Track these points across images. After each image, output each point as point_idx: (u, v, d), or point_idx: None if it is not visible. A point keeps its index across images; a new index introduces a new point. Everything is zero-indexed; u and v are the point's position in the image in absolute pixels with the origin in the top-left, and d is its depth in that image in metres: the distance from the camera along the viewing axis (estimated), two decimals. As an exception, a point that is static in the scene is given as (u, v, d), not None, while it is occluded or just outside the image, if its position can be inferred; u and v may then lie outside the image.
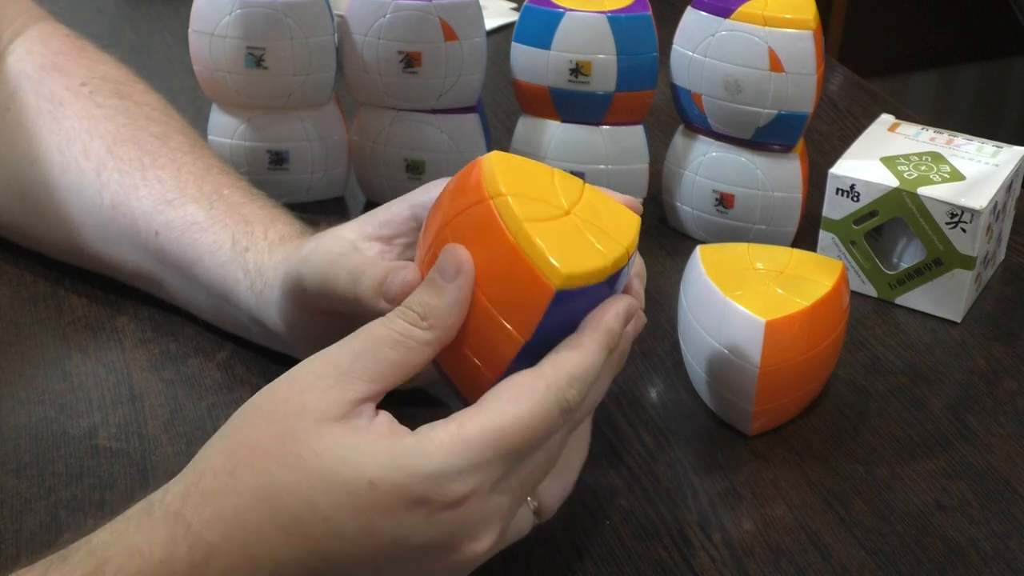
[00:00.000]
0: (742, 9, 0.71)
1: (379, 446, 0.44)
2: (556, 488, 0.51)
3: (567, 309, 0.48)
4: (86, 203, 0.68)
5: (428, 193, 0.57)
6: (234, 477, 0.44)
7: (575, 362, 0.47)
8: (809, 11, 0.70)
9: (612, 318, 0.48)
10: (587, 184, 0.53)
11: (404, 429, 0.46)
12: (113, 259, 0.69)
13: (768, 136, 0.73)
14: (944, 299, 0.72)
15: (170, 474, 0.46)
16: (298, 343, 0.61)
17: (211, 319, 0.67)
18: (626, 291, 0.51)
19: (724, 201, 0.77)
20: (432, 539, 0.45)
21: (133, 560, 0.43)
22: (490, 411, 0.45)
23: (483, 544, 0.46)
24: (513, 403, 0.45)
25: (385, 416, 0.46)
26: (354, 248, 0.57)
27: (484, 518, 0.46)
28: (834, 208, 0.73)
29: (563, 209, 0.50)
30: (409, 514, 0.44)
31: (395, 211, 0.58)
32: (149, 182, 0.67)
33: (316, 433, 0.44)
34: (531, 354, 0.48)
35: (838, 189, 0.72)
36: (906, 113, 0.86)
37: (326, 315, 0.57)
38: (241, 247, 0.63)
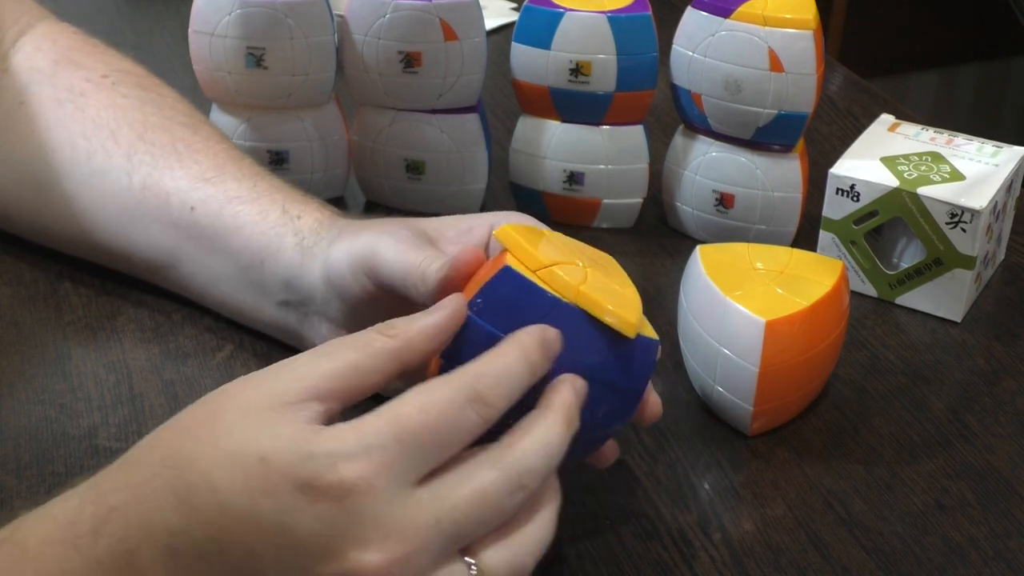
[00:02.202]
0: (742, 9, 0.71)
1: (286, 429, 0.43)
2: (503, 555, 0.45)
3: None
4: (111, 187, 0.68)
5: (510, 218, 0.58)
6: (150, 449, 0.45)
7: (482, 359, 0.46)
8: (809, 11, 0.70)
9: (525, 334, 0.47)
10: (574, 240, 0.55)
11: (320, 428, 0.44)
12: (129, 243, 0.68)
13: (768, 136, 0.73)
14: (944, 299, 0.72)
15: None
16: (329, 308, 0.61)
17: (222, 297, 0.67)
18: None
19: (724, 201, 0.77)
20: (316, 534, 0.42)
21: (44, 524, 0.44)
22: (392, 401, 0.44)
23: (372, 556, 0.42)
24: (414, 392, 0.44)
25: (315, 422, 0.44)
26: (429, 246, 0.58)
27: (375, 521, 0.42)
28: (834, 208, 0.73)
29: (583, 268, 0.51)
30: (294, 498, 0.42)
31: (477, 223, 0.59)
32: (185, 163, 0.67)
33: (239, 416, 0.44)
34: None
35: (838, 189, 0.72)
36: (906, 113, 0.86)
37: (372, 290, 0.58)
38: (293, 215, 0.64)
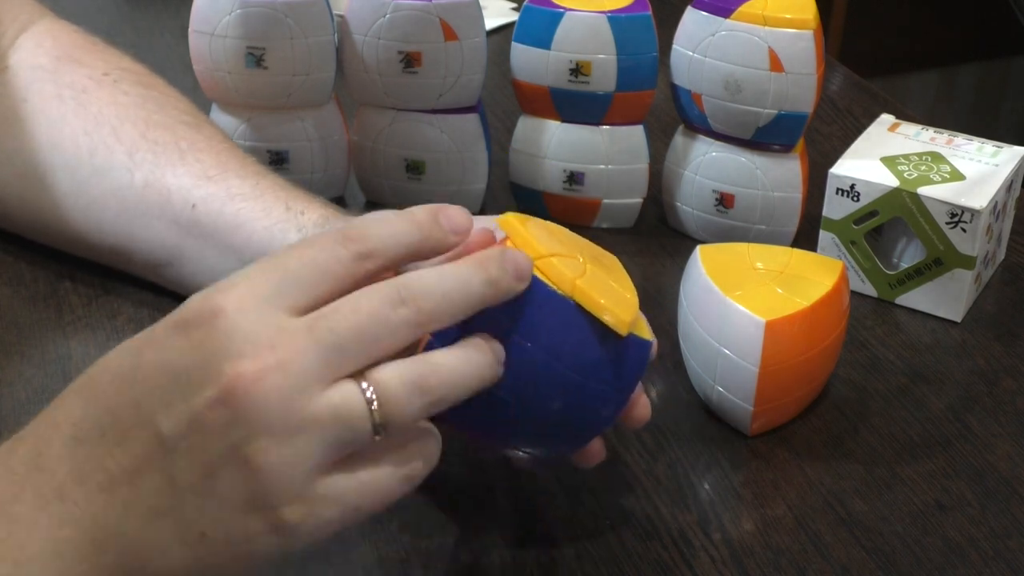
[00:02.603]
0: (742, 9, 0.71)
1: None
2: (399, 370, 0.43)
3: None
4: (113, 183, 0.68)
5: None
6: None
7: (367, 218, 0.46)
8: (809, 11, 0.70)
9: (421, 208, 0.47)
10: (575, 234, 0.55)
11: None
12: (129, 241, 0.69)
13: (768, 136, 0.73)
14: (944, 299, 0.72)
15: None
16: None
17: None
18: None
19: (724, 201, 0.77)
20: (190, 361, 0.42)
21: None
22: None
23: (245, 365, 0.41)
24: (299, 241, 0.45)
25: None
26: None
27: (246, 335, 0.42)
28: (834, 208, 0.73)
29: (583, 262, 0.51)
30: (172, 338, 0.43)
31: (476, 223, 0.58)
32: (187, 161, 0.67)
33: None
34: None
35: (838, 189, 0.72)
36: (906, 113, 0.86)
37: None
38: (296, 211, 0.64)
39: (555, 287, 0.48)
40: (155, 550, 0.42)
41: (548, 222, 0.54)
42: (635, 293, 0.52)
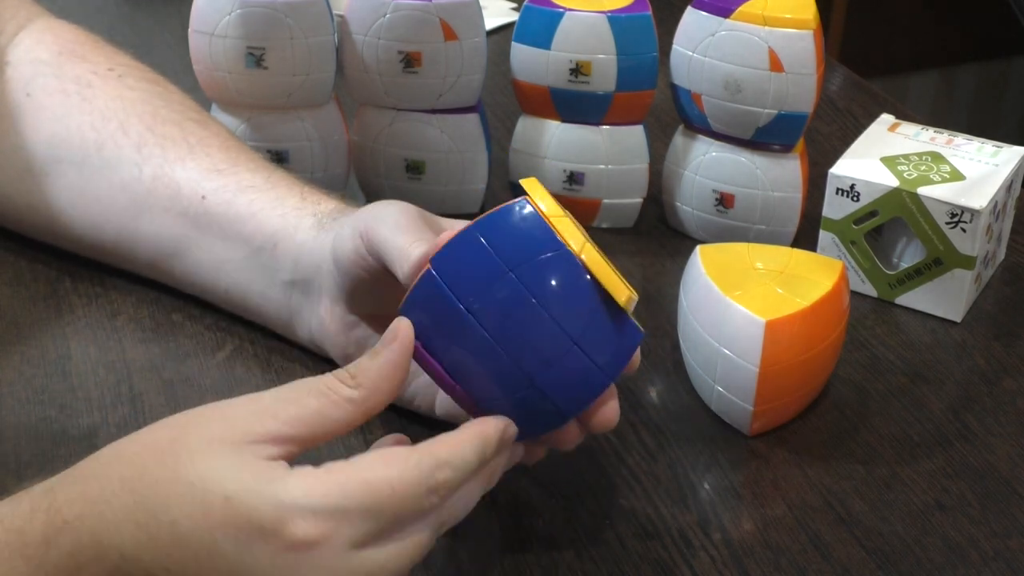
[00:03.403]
0: (742, 9, 0.71)
1: (250, 469, 0.44)
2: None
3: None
4: (121, 177, 0.68)
5: None
6: (110, 464, 0.45)
7: (447, 447, 0.47)
8: (809, 11, 0.70)
9: (491, 427, 0.49)
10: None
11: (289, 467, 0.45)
12: (135, 234, 0.68)
13: (768, 136, 0.73)
14: (944, 299, 0.72)
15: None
16: (331, 282, 0.61)
17: (227, 283, 0.67)
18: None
19: (724, 201, 0.77)
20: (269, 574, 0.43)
21: (4, 529, 0.44)
22: (361, 463, 0.45)
23: None
24: (383, 463, 0.45)
25: (277, 462, 0.45)
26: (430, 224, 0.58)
27: (323, 573, 0.44)
28: (834, 208, 0.73)
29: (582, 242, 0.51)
30: (255, 543, 0.43)
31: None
32: (197, 156, 0.67)
33: (204, 448, 0.44)
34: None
35: (838, 189, 0.72)
36: (906, 113, 0.86)
37: (370, 264, 0.58)
38: (313, 200, 0.65)
39: (568, 244, 0.49)
40: None
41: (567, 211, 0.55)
42: (634, 292, 0.52)
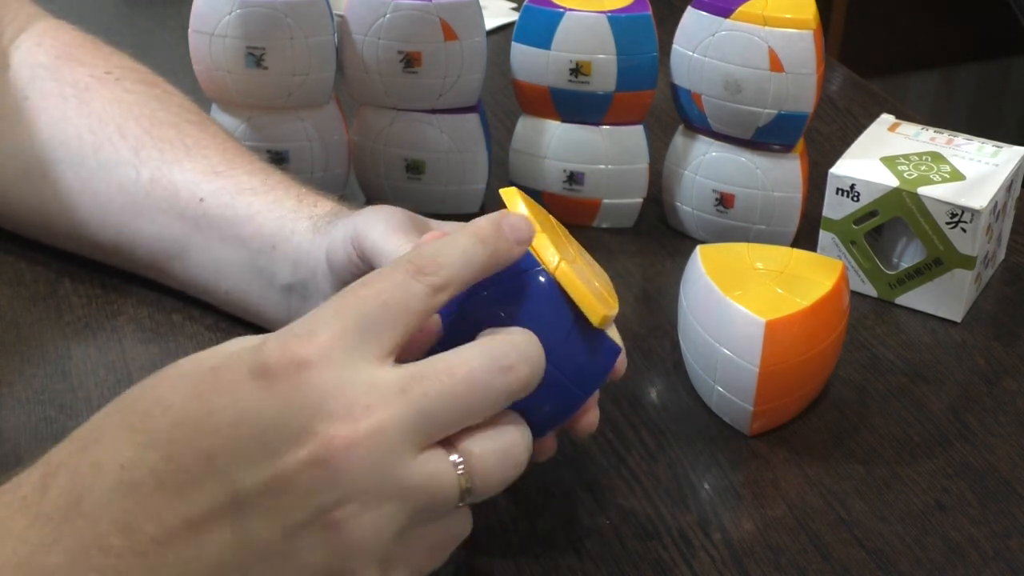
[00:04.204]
0: (742, 9, 0.71)
1: (232, 347, 0.42)
2: (493, 445, 0.43)
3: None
4: (119, 179, 0.68)
5: None
6: (97, 415, 0.43)
7: (435, 243, 0.45)
8: (809, 11, 0.70)
9: (482, 219, 0.46)
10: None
11: None
12: (134, 236, 0.68)
13: (768, 136, 0.73)
14: (944, 299, 0.72)
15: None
16: (327, 286, 0.61)
17: (227, 286, 0.67)
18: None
19: (724, 201, 0.77)
20: (276, 417, 0.40)
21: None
22: (343, 291, 0.43)
23: (339, 429, 0.40)
24: (362, 282, 0.43)
25: None
26: (420, 231, 0.58)
27: (337, 392, 0.40)
28: (834, 208, 0.73)
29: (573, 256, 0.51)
30: (249, 387, 0.40)
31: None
32: (194, 158, 0.67)
33: (182, 363, 0.43)
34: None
35: (838, 189, 0.72)
36: (906, 113, 0.86)
37: (363, 269, 0.58)
38: (310, 203, 0.64)
39: (542, 262, 0.48)
40: None
41: (552, 217, 0.54)
42: (616, 302, 0.51)
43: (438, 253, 0.44)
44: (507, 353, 0.44)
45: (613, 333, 0.51)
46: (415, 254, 0.44)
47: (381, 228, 0.56)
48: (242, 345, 0.42)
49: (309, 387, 0.40)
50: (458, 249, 0.45)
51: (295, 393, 0.40)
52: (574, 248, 0.52)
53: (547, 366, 0.47)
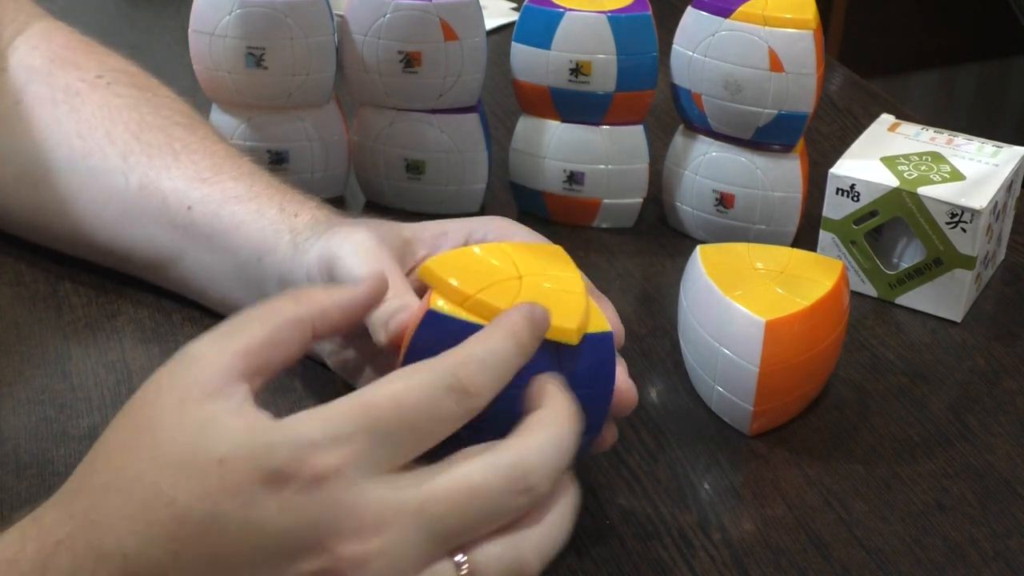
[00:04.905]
0: (742, 9, 0.71)
1: (236, 423, 0.41)
2: (498, 552, 0.42)
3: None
4: (109, 186, 0.68)
5: (488, 224, 0.59)
6: (87, 477, 0.42)
7: (469, 343, 0.44)
8: (809, 11, 0.70)
9: (515, 313, 0.46)
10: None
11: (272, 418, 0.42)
12: (128, 243, 0.68)
13: (768, 136, 0.73)
14: (944, 299, 0.72)
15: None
16: None
17: (221, 294, 0.67)
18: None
19: (724, 201, 0.77)
20: (285, 529, 0.39)
21: None
22: (362, 390, 0.42)
23: (354, 546, 0.40)
24: (387, 381, 0.42)
25: (255, 408, 0.42)
26: (401, 250, 0.58)
27: (351, 509, 0.40)
28: (834, 208, 0.73)
29: (517, 275, 0.50)
30: (260, 494, 0.39)
31: (453, 227, 0.59)
32: (182, 164, 0.67)
33: (174, 417, 0.41)
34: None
35: (838, 189, 0.72)
36: (906, 113, 0.86)
37: None
38: (290, 212, 0.64)
39: (478, 324, 0.47)
40: None
41: (483, 244, 0.53)
42: (582, 285, 0.51)
43: (483, 368, 0.43)
44: (532, 470, 0.43)
45: (598, 320, 0.50)
46: (458, 364, 0.43)
47: (351, 260, 0.56)
48: (249, 427, 0.41)
49: (323, 502, 0.40)
50: (501, 366, 0.44)
51: (308, 507, 0.40)
52: (518, 264, 0.51)
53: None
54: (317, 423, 0.41)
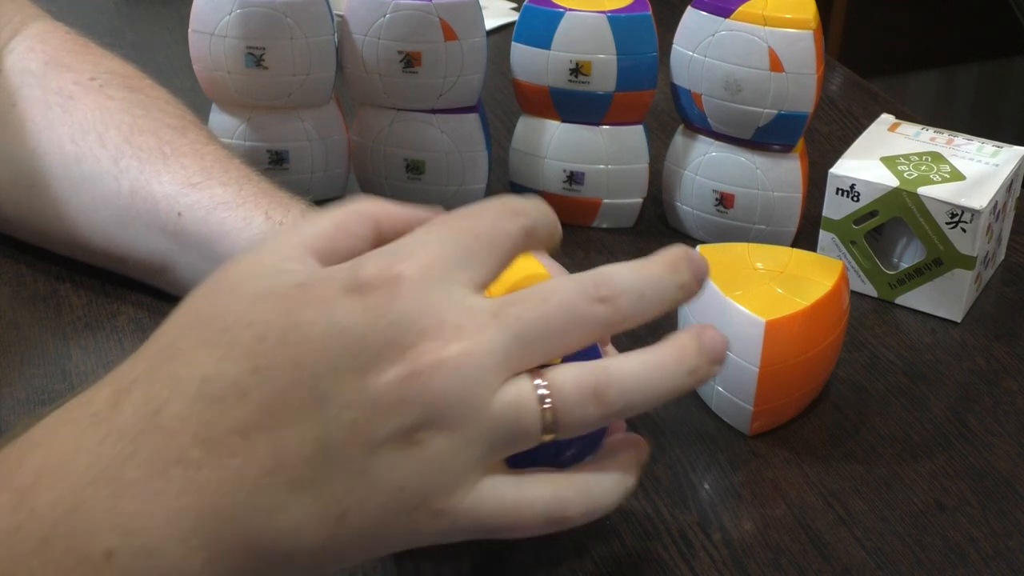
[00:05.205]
0: (742, 9, 0.71)
1: (310, 265, 0.42)
2: (578, 375, 0.42)
3: None
4: (101, 191, 0.68)
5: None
6: (165, 332, 0.43)
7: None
8: (809, 11, 0.70)
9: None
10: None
11: None
12: (122, 247, 0.69)
13: (768, 136, 0.73)
14: (944, 299, 0.72)
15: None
16: None
17: None
18: None
19: (724, 201, 0.77)
20: (370, 328, 0.39)
21: (53, 414, 0.41)
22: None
23: (434, 345, 0.39)
24: (474, 210, 0.43)
25: None
26: None
27: (431, 308, 0.40)
28: (834, 208, 0.73)
29: None
30: (343, 300, 0.39)
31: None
32: (172, 168, 0.67)
33: (250, 276, 0.42)
34: None
35: (838, 189, 0.72)
36: (906, 113, 0.86)
37: None
38: (276, 220, 0.64)
39: None
40: (288, 525, 0.39)
41: None
42: (540, 266, 0.50)
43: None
44: (608, 281, 0.42)
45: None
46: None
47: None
48: (331, 268, 0.41)
49: (403, 301, 0.40)
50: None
51: (388, 305, 0.39)
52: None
53: None
54: (401, 241, 0.41)
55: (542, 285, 0.42)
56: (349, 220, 0.45)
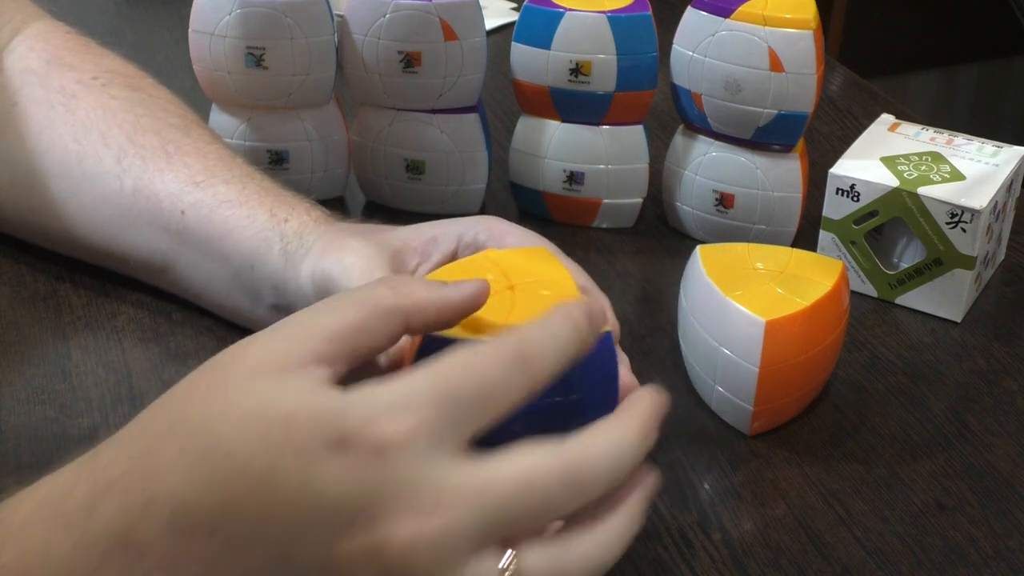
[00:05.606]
0: (742, 9, 0.71)
1: (307, 389, 0.40)
2: (545, 557, 0.41)
3: None
4: (104, 190, 0.68)
5: (477, 225, 0.60)
6: (153, 418, 0.42)
7: (530, 325, 0.43)
8: (809, 11, 0.70)
9: (570, 304, 0.45)
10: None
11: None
12: (124, 247, 0.69)
13: (768, 136, 0.73)
14: (944, 299, 0.72)
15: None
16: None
17: (219, 299, 0.67)
18: None
19: (724, 201, 0.77)
20: (343, 496, 0.38)
21: (30, 502, 0.41)
22: (429, 359, 0.41)
23: (403, 526, 0.38)
24: (456, 351, 0.41)
25: (330, 386, 0.41)
26: (393, 262, 0.57)
27: (410, 483, 0.39)
28: (834, 208, 0.73)
29: (509, 284, 0.50)
30: (322, 455, 0.38)
31: (441, 231, 0.60)
32: (175, 167, 0.67)
33: (249, 377, 0.41)
34: None
35: (838, 189, 0.72)
36: (906, 113, 0.86)
37: None
38: (280, 218, 0.64)
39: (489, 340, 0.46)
40: None
41: (468, 258, 0.53)
42: (575, 288, 0.50)
43: (544, 348, 0.42)
44: (588, 467, 0.42)
45: None
46: (523, 341, 0.42)
47: (344, 282, 0.56)
48: (319, 395, 0.40)
49: (383, 471, 0.39)
50: (561, 345, 0.43)
51: (368, 476, 0.39)
52: (507, 273, 0.50)
53: (565, 406, 0.46)
54: (385, 393, 0.40)
55: (524, 462, 0.41)
56: (373, 319, 0.43)
